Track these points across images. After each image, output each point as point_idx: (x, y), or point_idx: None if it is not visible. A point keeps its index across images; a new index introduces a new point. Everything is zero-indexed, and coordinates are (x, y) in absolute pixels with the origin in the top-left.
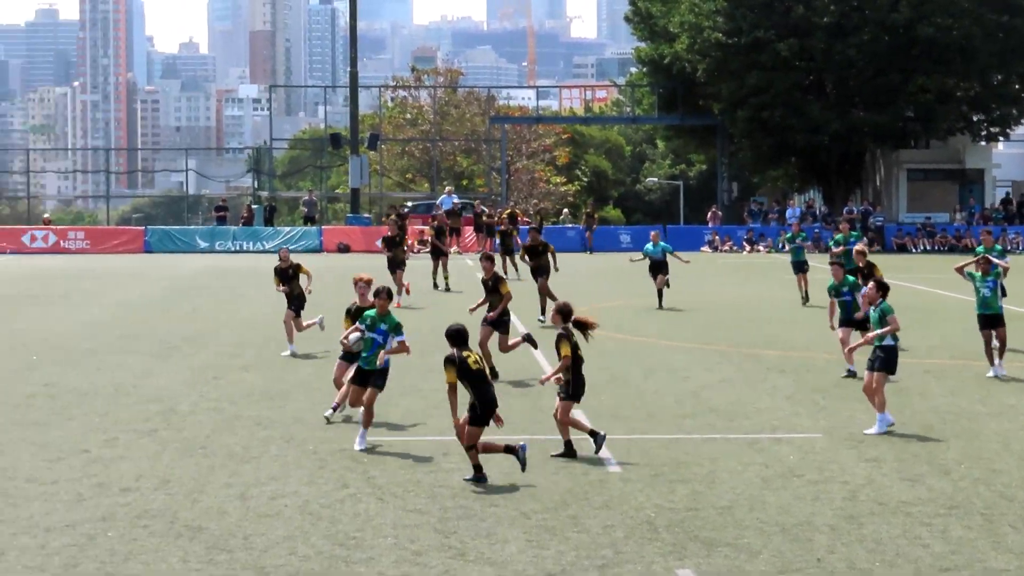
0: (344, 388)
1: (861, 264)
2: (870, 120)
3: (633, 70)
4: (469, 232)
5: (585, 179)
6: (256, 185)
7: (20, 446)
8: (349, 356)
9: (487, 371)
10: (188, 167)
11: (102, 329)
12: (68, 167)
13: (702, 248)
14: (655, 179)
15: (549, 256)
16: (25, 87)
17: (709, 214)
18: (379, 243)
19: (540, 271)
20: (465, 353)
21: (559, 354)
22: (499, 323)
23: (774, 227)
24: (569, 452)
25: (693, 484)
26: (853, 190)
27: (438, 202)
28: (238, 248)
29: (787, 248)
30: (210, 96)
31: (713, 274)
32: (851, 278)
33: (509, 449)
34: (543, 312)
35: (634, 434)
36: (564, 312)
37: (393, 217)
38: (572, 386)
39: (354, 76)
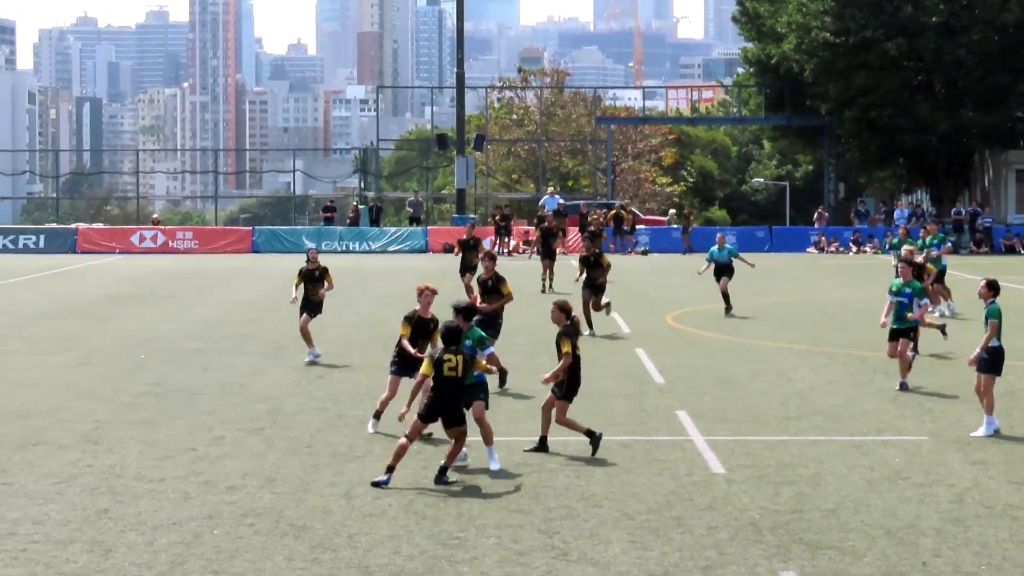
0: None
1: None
2: (979, 121)
3: (740, 70)
4: (574, 232)
5: (691, 180)
6: (363, 185)
7: (129, 444)
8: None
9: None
10: (296, 168)
11: (210, 329)
12: (177, 168)
13: (808, 249)
14: (761, 180)
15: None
16: (135, 88)
17: (815, 215)
18: (450, 244)
19: (594, 287)
20: (447, 356)
21: (559, 351)
22: (491, 323)
23: (881, 228)
24: (542, 447)
25: (798, 486)
26: (961, 191)
27: (542, 203)
28: (344, 248)
29: (891, 251)
30: (318, 97)
31: (819, 275)
32: (918, 283)
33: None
34: (590, 327)
35: (739, 435)
36: (566, 310)
37: (497, 217)
38: (567, 385)
39: (461, 77)
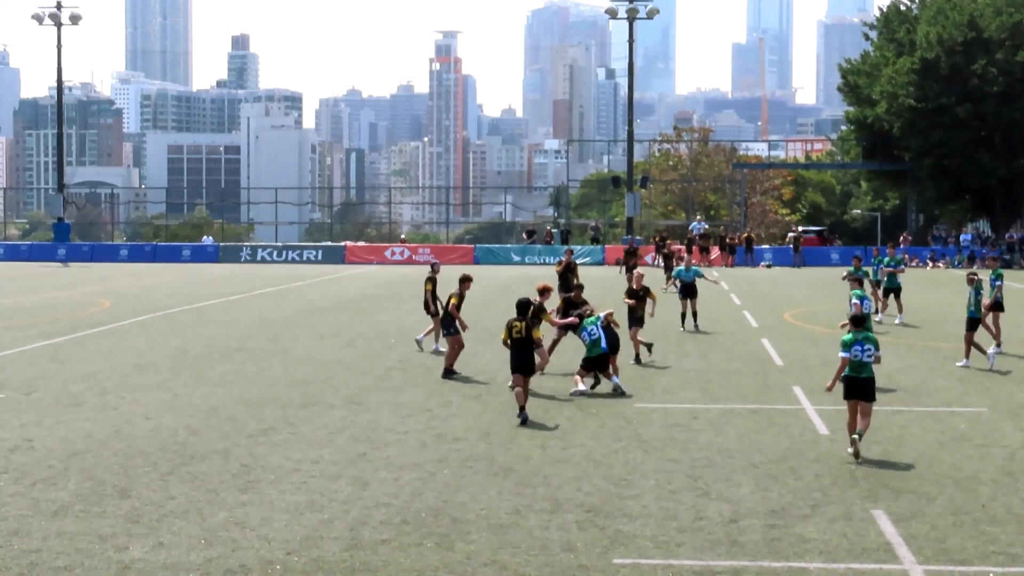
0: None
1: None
2: None
3: (843, 128)
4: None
5: (804, 210)
6: (556, 214)
7: (381, 406)
8: None
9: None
10: (506, 200)
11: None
12: (419, 200)
13: None
14: (859, 211)
15: (648, 301)
16: (389, 142)
17: (901, 238)
18: (620, 259)
19: (634, 319)
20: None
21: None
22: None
23: (952, 248)
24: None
25: (884, 445)
26: (1014, 221)
27: (690, 227)
28: (542, 261)
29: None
30: (523, 148)
31: (904, 286)
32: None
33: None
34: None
35: (840, 406)
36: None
37: (657, 239)
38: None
39: (631, 133)
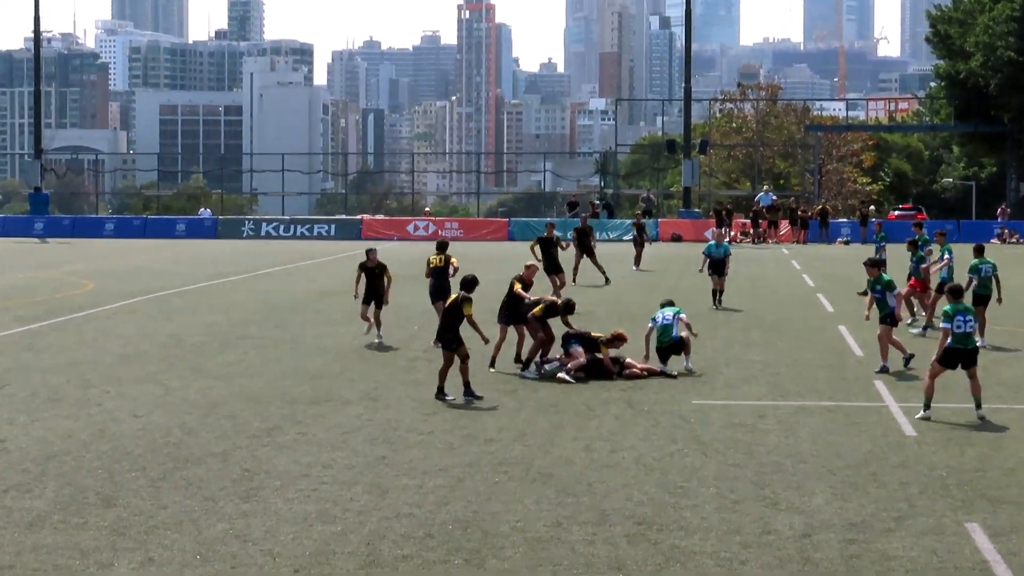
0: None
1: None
2: None
3: (932, 84)
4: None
5: (887, 179)
6: (603, 184)
7: (403, 401)
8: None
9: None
10: (546, 168)
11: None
12: (446, 168)
13: (992, 240)
14: (950, 180)
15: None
16: (412, 101)
17: (999, 211)
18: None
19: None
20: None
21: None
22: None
23: None
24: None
25: (981, 448)
26: None
27: (756, 199)
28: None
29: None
30: (565, 108)
31: (1001, 264)
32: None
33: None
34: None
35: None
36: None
37: (722, 212)
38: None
39: (688, 91)
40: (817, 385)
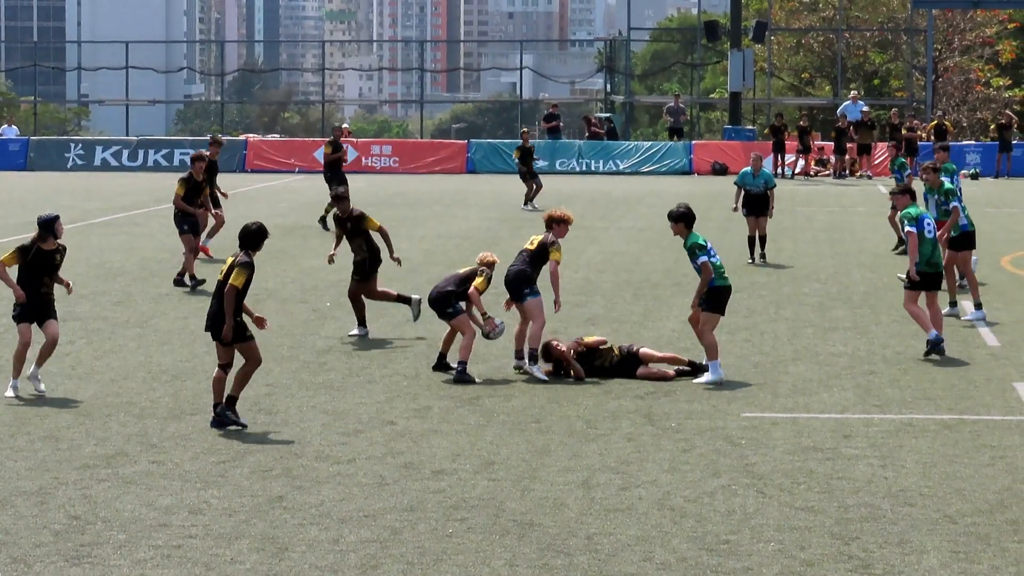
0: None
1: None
2: None
3: None
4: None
5: None
6: (609, 88)
7: (310, 415)
8: None
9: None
10: (523, 65)
11: (413, 271)
12: (372, 64)
13: None
14: None
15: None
16: None
17: None
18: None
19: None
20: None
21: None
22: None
23: None
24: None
25: None
26: None
27: (840, 111)
28: (584, 168)
29: None
30: None
31: None
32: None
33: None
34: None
35: None
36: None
37: (784, 129)
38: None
39: None
40: (930, 390)
